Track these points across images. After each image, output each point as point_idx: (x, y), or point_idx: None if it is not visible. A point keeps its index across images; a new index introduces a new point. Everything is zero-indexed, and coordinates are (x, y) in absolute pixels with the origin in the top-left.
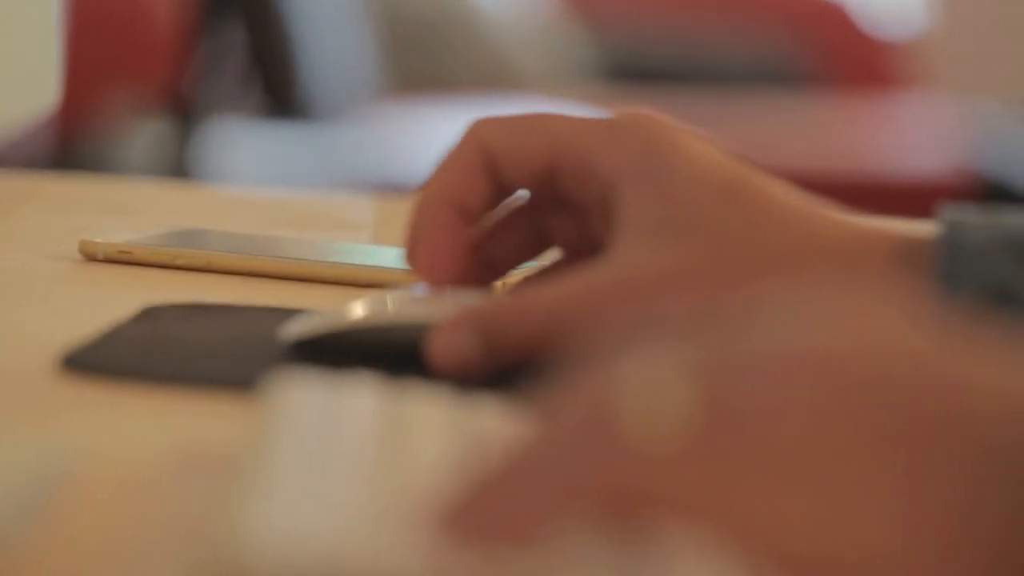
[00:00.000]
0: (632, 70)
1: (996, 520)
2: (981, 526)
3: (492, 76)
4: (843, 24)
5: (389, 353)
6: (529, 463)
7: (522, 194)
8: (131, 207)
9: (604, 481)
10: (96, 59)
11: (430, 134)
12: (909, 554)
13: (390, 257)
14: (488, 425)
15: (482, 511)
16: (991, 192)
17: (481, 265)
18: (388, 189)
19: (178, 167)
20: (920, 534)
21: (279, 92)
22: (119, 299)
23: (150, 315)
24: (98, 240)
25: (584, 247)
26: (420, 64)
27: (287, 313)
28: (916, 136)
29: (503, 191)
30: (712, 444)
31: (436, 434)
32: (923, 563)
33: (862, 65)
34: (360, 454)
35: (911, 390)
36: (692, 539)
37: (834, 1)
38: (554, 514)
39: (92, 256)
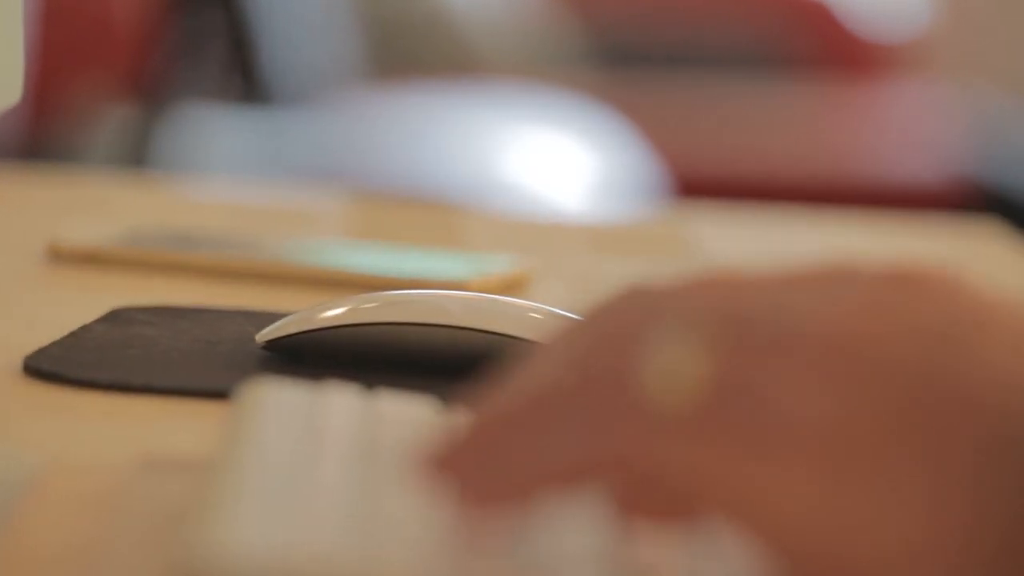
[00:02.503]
0: (620, 55)
1: (1017, 512)
2: (1002, 517)
3: (469, 62)
4: (833, 18)
5: (363, 354)
6: (539, 411)
7: None
8: (100, 205)
9: (615, 437)
10: (62, 47)
11: (404, 122)
12: (928, 543)
13: (363, 257)
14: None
15: (483, 454)
16: (987, 197)
17: None
18: (358, 177)
19: (147, 155)
20: (940, 523)
21: (250, 78)
22: (86, 301)
23: (117, 317)
24: (66, 240)
25: None
26: (395, 50)
27: (257, 316)
28: (911, 136)
29: None
30: (730, 414)
31: (412, 446)
32: (942, 553)
33: (854, 62)
34: (332, 465)
35: (946, 377)
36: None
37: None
38: (555, 473)
39: (60, 256)
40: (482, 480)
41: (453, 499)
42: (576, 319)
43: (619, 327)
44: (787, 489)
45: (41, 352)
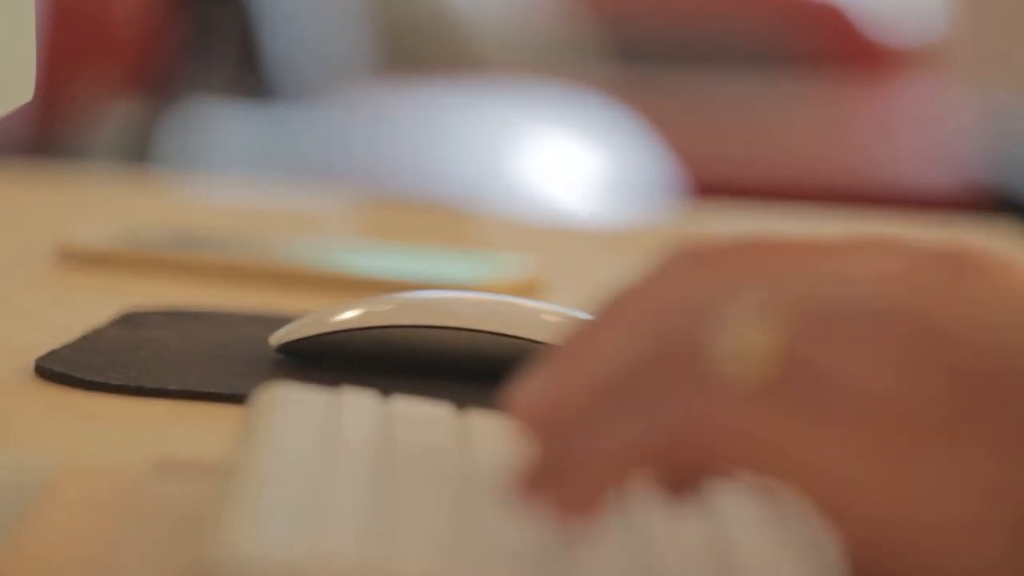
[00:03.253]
0: (634, 53)
1: None
2: None
3: (479, 58)
4: (847, 20)
5: (377, 357)
6: (612, 392)
7: None
8: (108, 205)
9: (685, 412)
10: (68, 43)
11: (412, 119)
12: (983, 520)
13: (375, 258)
14: (484, 440)
15: (563, 446)
16: (1001, 199)
17: None
18: (365, 174)
19: (153, 151)
20: (998, 502)
21: (256, 74)
22: (96, 302)
23: (129, 320)
24: (75, 241)
25: None
26: (404, 46)
27: (269, 320)
28: (926, 138)
29: None
30: (798, 386)
31: (427, 451)
32: (996, 531)
33: (869, 63)
34: (348, 469)
35: (1006, 357)
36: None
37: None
38: (634, 454)
39: (69, 257)
40: (566, 477)
41: (544, 502)
42: (627, 286)
43: (681, 297)
44: (850, 459)
45: (53, 354)
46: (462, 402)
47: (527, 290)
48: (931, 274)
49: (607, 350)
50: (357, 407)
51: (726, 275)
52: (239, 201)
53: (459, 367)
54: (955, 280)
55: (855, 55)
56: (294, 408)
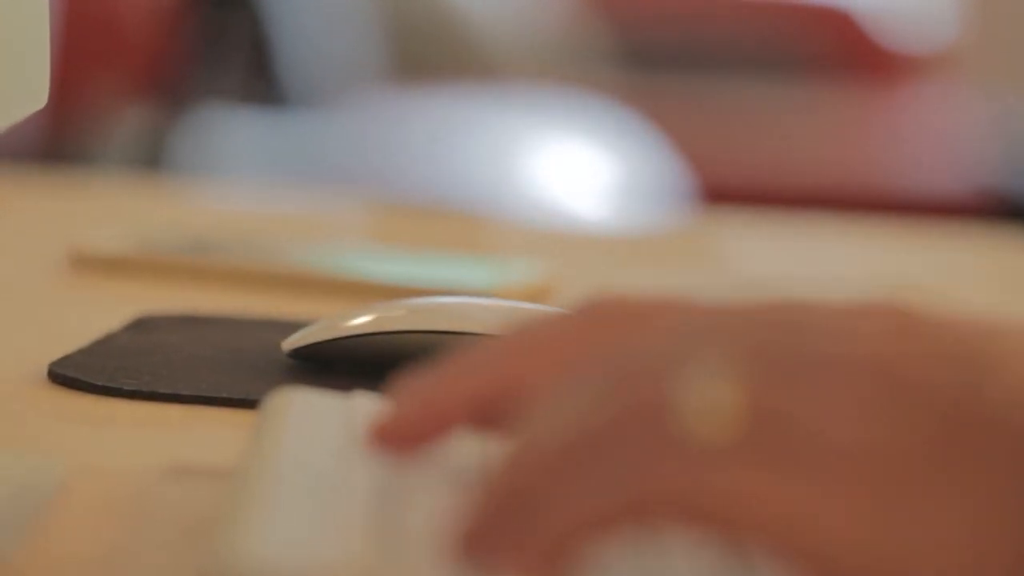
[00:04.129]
0: (645, 60)
1: None
2: None
3: (490, 64)
4: (858, 26)
5: (389, 362)
6: (573, 453)
7: None
8: (120, 211)
9: (653, 474)
10: (80, 47)
11: (424, 125)
12: (974, 566)
13: (387, 264)
14: (493, 447)
15: (519, 513)
16: (1012, 207)
17: None
18: (377, 180)
19: (165, 157)
20: (986, 547)
21: (269, 80)
22: (109, 308)
23: (142, 325)
24: (87, 247)
25: None
26: (416, 52)
27: (281, 325)
28: (937, 145)
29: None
30: (769, 441)
31: (438, 456)
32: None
33: (880, 70)
34: (360, 476)
35: (978, 398)
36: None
37: (843, 6)
38: (600, 518)
39: (82, 263)
40: (523, 545)
41: (501, 561)
42: (551, 326)
43: (625, 359)
44: (830, 512)
45: (66, 359)
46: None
47: (538, 296)
48: (875, 330)
49: (566, 424)
50: (369, 412)
51: (686, 332)
52: (251, 206)
53: None
54: (902, 333)
55: (865, 61)
56: (306, 413)
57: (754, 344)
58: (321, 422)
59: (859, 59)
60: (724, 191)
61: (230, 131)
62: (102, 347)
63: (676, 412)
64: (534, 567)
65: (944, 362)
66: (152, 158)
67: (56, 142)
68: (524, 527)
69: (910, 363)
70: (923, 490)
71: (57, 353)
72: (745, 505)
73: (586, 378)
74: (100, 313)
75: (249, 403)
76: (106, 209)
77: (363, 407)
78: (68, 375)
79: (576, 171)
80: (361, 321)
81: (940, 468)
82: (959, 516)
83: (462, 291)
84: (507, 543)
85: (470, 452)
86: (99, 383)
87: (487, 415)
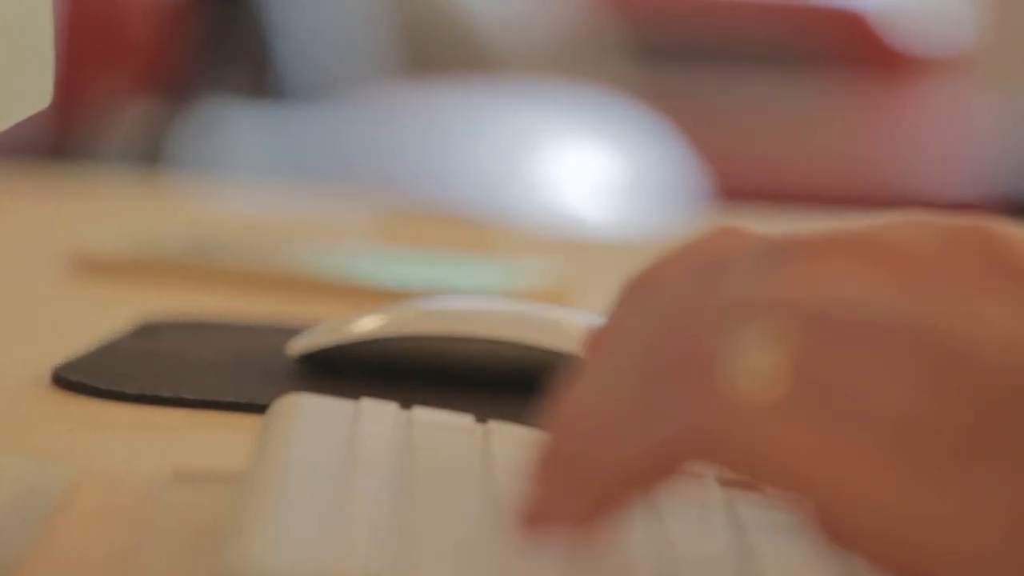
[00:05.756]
0: (657, 56)
1: None
2: None
3: (498, 60)
4: (872, 27)
5: (398, 367)
6: (619, 405)
7: None
8: (124, 212)
9: (697, 423)
10: (83, 44)
11: (429, 121)
12: (1005, 541)
13: (395, 266)
14: (506, 451)
15: (563, 468)
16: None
17: None
18: (380, 177)
19: (168, 153)
20: (1020, 539)
21: (271, 75)
22: (113, 311)
23: (147, 329)
24: (91, 250)
25: None
26: (422, 47)
27: (287, 329)
28: (950, 146)
29: None
30: (812, 402)
31: (448, 462)
32: (1018, 553)
33: (892, 70)
34: (368, 481)
35: None
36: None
37: (858, 6)
38: (642, 467)
39: (87, 266)
40: (575, 504)
41: (551, 518)
42: (650, 268)
43: (693, 306)
44: (863, 475)
45: (70, 363)
46: (483, 413)
47: (550, 298)
48: (953, 278)
49: (617, 365)
50: (377, 417)
51: (744, 243)
52: (257, 207)
53: (480, 377)
54: (978, 287)
55: (878, 61)
56: (313, 418)
57: (810, 304)
58: (328, 428)
59: (873, 60)
60: (737, 188)
61: (234, 128)
62: (107, 351)
63: (724, 367)
64: (583, 519)
65: (1003, 330)
66: (156, 155)
67: (59, 139)
68: (575, 486)
69: (966, 333)
70: (960, 464)
71: (61, 357)
72: (777, 460)
73: (636, 328)
74: (104, 316)
75: (255, 408)
76: (110, 209)
77: (372, 412)
78: (72, 379)
79: (588, 169)
80: (368, 325)
81: (983, 447)
82: (995, 496)
83: (472, 294)
84: (562, 511)
85: (471, 452)
86: (104, 387)
87: None
